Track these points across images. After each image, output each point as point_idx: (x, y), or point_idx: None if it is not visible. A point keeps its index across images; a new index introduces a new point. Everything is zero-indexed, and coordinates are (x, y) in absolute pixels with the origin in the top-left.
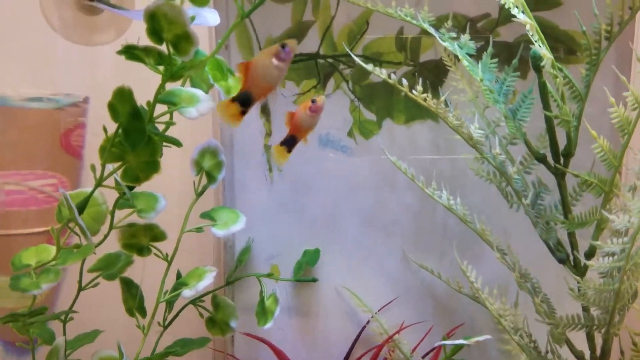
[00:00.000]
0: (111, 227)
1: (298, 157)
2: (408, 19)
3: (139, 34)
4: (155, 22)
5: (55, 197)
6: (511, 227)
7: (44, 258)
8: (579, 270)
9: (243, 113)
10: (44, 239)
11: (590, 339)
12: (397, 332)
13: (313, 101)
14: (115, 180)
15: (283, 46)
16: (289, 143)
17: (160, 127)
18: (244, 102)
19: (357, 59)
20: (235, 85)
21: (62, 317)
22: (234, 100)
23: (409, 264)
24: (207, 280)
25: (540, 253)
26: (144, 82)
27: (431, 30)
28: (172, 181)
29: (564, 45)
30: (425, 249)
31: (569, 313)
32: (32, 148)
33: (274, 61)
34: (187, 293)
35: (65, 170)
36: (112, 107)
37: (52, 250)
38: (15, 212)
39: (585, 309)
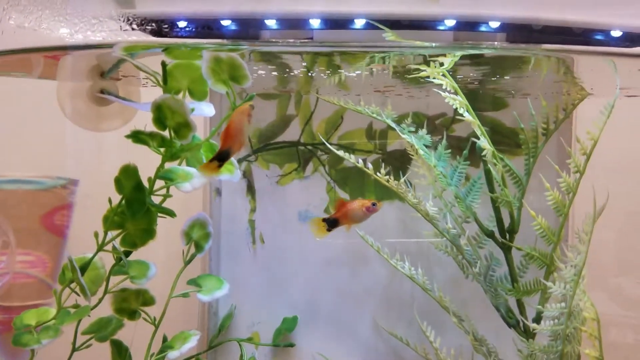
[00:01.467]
0: (106, 291)
1: (280, 231)
2: (374, 115)
3: (142, 123)
4: (160, 112)
5: (28, 274)
6: (471, 296)
7: (44, 318)
8: (529, 334)
9: (220, 167)
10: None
11: None
12: None
13: (374, 204)
14: (113, 246)
15: (252, 107)
16: (332, 224)
17: (156, 200)
18: (223, 158)
19: (331, 148)
20: (225, 165)
21: None
22: (212, 160)
23: (380, 332)
24: (192, 343)
25: (499, 321)
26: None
27: (393, 124)
28: (161, 249)
29: (511, 140)
30: (395, 317)
31: None
32: (11, 226)
33: (247, 120)
34: (173, 355)
35: (46, 249)
36: (118, 181)
37: (51, 311)
38: None
39: None
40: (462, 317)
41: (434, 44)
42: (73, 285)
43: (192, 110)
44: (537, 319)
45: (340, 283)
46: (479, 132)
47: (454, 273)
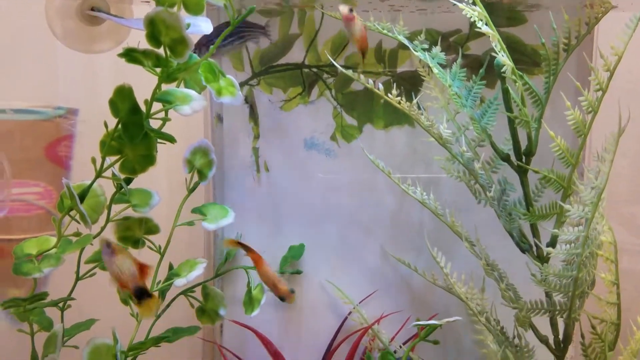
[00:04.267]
0: (108, 220)
1: (285, 158)
2: (385, 31)
3: (136, 44)
4: (154, 27)
5: (37, 205)
6: (482, 225)
7: (45, 247)
8: (542, 259)
9: None
10: None
11: (553, 324)
12: (377, 321)
13: (350, 10)
14: (113, 173)
15: None
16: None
17: (156, 126)
18: None
19: (339, 67)
20: (226, 86)
21: (60, 305)
22: None
23: (388, 260)
24: (198, 271)
25: (511, 249)
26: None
27: (405, 41)
28: (164, 179)
29: (528, 58)
30: (403, 246)
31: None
32: (15, 158)
33: None
34: (179, 282)
35: (51, 179)
36: (113, 104)
37: (52, 240)
38: None
39: (548, 296)
40: (474, 242)
41: None
42: (73, 213)
43: (188, 25)
44: (552, 244)
45: (348, 211)
46: (497, 48)
47: (462, 199)
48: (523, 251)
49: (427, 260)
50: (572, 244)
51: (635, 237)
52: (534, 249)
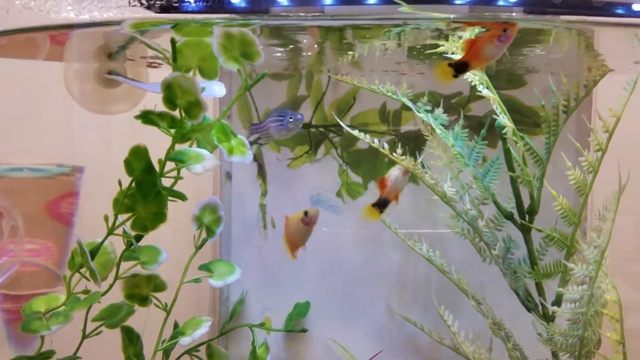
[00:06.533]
0: (116, 277)
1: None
2: (389, 94)
3: (151, 105)
4: (170, 90)
5: (31, 263)
6: (487, 282)
7: (53, 305)
8: (547, 318)
9: None
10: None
11: None
12: None
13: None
14: (124, 230)
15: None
16: (382, 205)
17: (167, 183)
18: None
19: (345, 127)
20: (237, 145)
21: None
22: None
23: (394, 317)
24: (204, 329)
25: (515, 306)
26: None
27: (409, 103)
28: (169, 235)
29: (529, 119)
30: (409, 303)
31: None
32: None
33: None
34: (185, 341)
35: (52, 237)
36: (128, 163)
37: (61, 298)
38: None
39: (555, 355)
40: (480, 301)
41: (451, 15)
42: (83, 270)
43: (203, 89)
44: (557, 302)
45: (353, 268)
46: (498, 110)
47: (468, 257)
48: (529, 310)
49: (434, 316)
50: (577, 303)
51: None
52: (540, 307)
